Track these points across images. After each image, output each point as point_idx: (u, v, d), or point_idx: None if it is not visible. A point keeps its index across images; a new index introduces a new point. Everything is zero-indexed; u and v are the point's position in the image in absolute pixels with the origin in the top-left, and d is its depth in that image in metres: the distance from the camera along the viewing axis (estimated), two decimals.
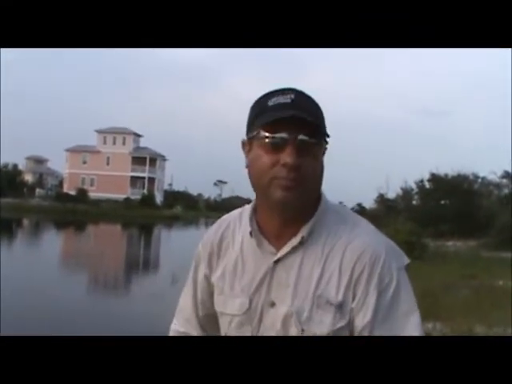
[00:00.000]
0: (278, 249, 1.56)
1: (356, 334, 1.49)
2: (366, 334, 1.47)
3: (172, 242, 39.78)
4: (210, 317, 1.73)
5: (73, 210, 62.96)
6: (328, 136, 1.53)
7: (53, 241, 36.11)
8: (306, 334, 1.50)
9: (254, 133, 1.51)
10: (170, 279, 16.98)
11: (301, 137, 1.45)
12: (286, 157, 1.44)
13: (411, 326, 1.48)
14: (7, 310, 12.37)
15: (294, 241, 1.54)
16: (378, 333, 1.47)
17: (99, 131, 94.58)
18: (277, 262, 1.56)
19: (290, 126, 1.44)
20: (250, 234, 1.60)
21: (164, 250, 33.66)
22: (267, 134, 1.47)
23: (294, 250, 1.54)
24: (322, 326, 1.49)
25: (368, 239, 1.53)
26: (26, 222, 53.60)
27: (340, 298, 1.49)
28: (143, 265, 26.56)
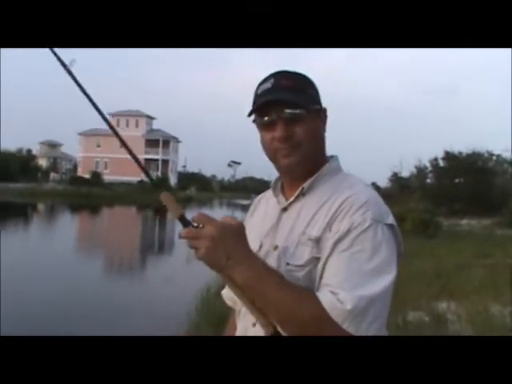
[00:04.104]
0: (288, 200, 1.82)
1: (322, 257, 1.63)
2: (324, 256, 1.61)
3: None
4: None
5: (87, 194, 63.16)
6: (319, 102, 1.80)
7: (68, 225, 36.32)
8: (289, 267, 1.68)
9: (254, 118, 1.79)
10: (184, 260, 17.07)
11: (284, 114, 1.71)
12: (277, 132, 1.72)
13: (365, 271, 1.56)
14: (24, 294, 12.51)
15: (297, 192, 1.78)
16: (333, 259, 1.60)
17: (112, 114, 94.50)
18: (283, 210, 1.82)
19: (274, 107, 1.71)
20: (273, 189, 1.89)
21: (179, 231, 33.74)
22: (259, 119, 1.76)
23: (297, 199, 1.79)
24: (301, 258, 1.67)
25: (356, 191, 1.70)
26: (41, 206, 53.84)
27: (319, 234, 1.66)
28: (158, 247, 26.69)
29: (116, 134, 1.82)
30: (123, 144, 1.78)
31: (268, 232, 1.82)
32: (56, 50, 1.69)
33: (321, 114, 1.80)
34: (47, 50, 1.69)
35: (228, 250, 1.53)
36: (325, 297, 1.52)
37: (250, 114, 1.78)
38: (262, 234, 1.84)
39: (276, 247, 1.76)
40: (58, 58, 1.70)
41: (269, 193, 1.96)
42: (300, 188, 1.78)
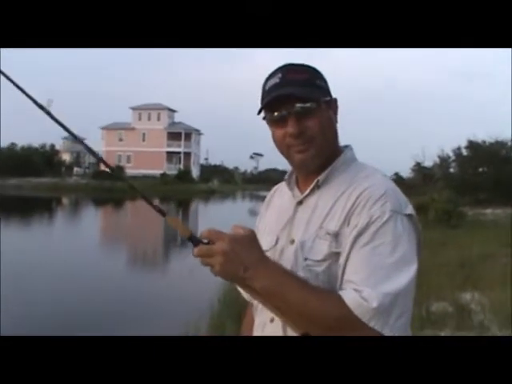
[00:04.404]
0: (303, 193, 1.79)
1: (342, 252, 1.60)
2: (345, 252, 1.59)
3: (209, 216, 39.97)
4: None
5: (110, 188, 63.52)
6: (329, 93, 1.76)
7: (92, 218, 36.60)
8: (308, 262, 1.65)
9: (263, 115, 1.75)
10: None
11: (295, 108, 1.66)
12: (290, 128, 1.68)
13: (388, 265, 1.53)
14: (49, 288, 12.65)
15: (312, 185, 1.75)
16: (354, 254, 1.57)
17: (134, 108, 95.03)
18: (299, 203, 1.79)
19: (284, 103, 1.67)
20: (287, 183, 1.86)
21: (201, 224, 33.87)
22: (269, 115, 1.72)
23: (312, 192, 1.76)
24: (320, 253, 1.63)
25: (373, 182, 1.66)
26: (65, 200, 54.29)
27: (337, 228, 1.63)
28: (181, 239, 26.76)
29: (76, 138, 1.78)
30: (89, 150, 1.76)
31: (284, 226, 1.79)
32: (30, 92, 1.65)
33: (331, 105, 1.76)
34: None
35: (243, 261, 1.49)
36: (349, 295, 1.50)
37: (259, 112, 1.75)
38: (278, 228, 1.81)
39: (292, 241, 1.73)
40: (34, 101, 1.65)
41: (283, 185, 1.93)
42: (315, 181, 1.74)
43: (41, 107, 1.65)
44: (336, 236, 1.62)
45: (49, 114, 1.65)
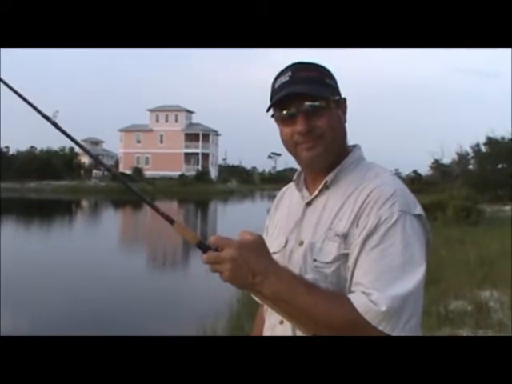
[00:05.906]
0: (312, 194, 1.79)
1: (350, 255, 1.60)
2: (354, 254, 1.58)
3: (228, 216, 39.96)
4: None
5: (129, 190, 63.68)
6: (338, 92, 1.76)
7: (111, 220, 36.75)
8: (317, 263, 1.65)
9: (272, 113, 1.76)
10: None
11: (304, 107, 1.67)
12: (298, 126, 1.68)
13: (397, 267, 1.52)
14: (69, 289, 12.74)
15: (320, 185, 1.75)
16: (363, 257, 1.57)
17: (151, 110, 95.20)
18: (308, 204, 1.78)
19: (293, 101, 1.67)
20: (295, 183, 1.86)
21: (220, 224, 33.86)
22: (278, 113, 1.73)
23: (321, 193, 1.75)
24: (329, 254, 1.63)
25: (381, 182, 1.66)
26: (84, 203, 54.58)
27: (346, 229, 1.63)
28: None
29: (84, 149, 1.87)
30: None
31: (293, 228, 1.79)
32: (37, 105, 1.67)
33: (341, 104, 1.76)
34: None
35: (252, 267, 1.49)
36: (358, 299, 1.50)
37: (268, 109, 1.75)
38: (288, 229, 1.81)
39: (301, 243, 1.72)
40: (41, 113, 1.67)
41: (292, 186, 1.91)
42: (323, 181, 1.74)
43: (47, 118, 1.68)
44: (345, 237, 1.62)
45: (55, 125, 1.68)
